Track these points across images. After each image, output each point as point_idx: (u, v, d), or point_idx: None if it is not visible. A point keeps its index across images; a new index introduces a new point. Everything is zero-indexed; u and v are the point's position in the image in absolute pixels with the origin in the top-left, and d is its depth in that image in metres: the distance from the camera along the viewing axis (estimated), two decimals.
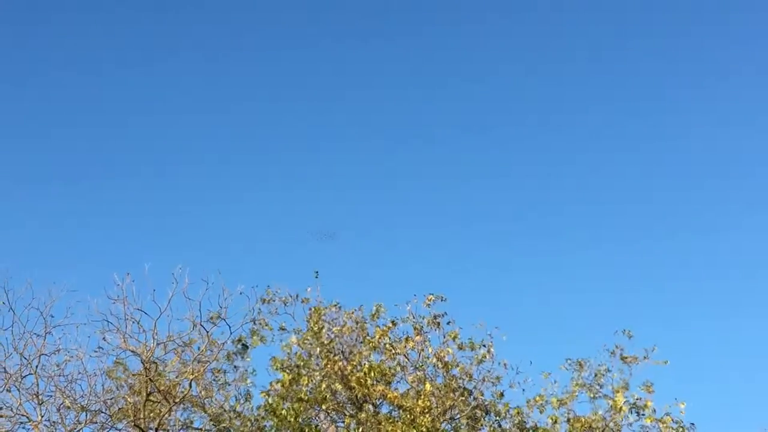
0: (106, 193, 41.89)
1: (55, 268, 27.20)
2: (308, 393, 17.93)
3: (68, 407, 17.68)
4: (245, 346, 18.72)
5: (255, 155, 44.01)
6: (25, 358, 17.63)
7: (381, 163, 45.51)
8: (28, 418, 17.51)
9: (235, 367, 18.88)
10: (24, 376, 17.65)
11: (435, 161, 45.50)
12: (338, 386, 17.92)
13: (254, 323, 18.69)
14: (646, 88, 46.82)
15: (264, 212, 41.97)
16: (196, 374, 17.92)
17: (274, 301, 18.97)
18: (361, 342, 18.54)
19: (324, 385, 17.85)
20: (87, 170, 42.89)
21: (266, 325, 18.94)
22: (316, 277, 19.23)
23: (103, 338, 17.89)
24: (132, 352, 17.87)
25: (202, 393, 18.52)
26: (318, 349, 18.22)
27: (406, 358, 18.29)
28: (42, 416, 17.49)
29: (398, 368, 18.25)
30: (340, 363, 17.83)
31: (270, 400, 17.55)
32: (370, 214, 43.19)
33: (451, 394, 17.71)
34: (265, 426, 18.08)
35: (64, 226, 38.93)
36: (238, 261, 34.80)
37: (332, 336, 18.52)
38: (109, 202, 41.24)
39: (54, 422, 17.81)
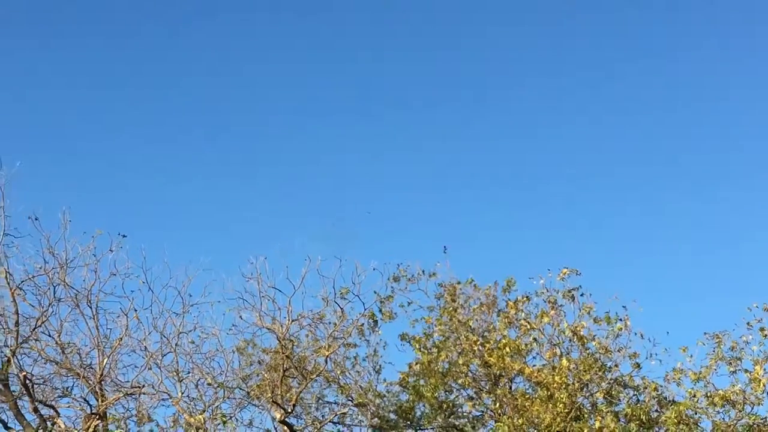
0: (238, 169, 41.60)
1: (191, 247, 27.49)
2: (444, 367, 17.99)
3: (209, 384, 17.97)
4: (375, 321, 18.79)
5: (389, 131, 42.95)
6: (165, 337, 17.86)
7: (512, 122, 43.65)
8: (168, 395, 17.79)
9: (366, 341, 19.03)
10: (164, 354, 17.92)
11: (564, 126, 43.85)
12: (476, 360, 17.91)
13: (381, 302, 18.78)
14: None
15: (394, 184, 41.21)
16: (331, 350, 18.05)
17: (405, 277, 19.00)
18: (497, 318, 18.48)
19: (461, 361, 17.88)
20: (229, 153, 42.64)
21: (391, 300, 19.03)
22: (445, 252, 19.28)
23: (239, 316, 18.13)
24: (268, 329, 18.05)
25: (336, 370, 18.66)
26: (455, 326, 18.24)
27: (542, 333, 18.16)
28: (182, 393, 17.78)
29: (534, 344, 18.12)
30: (478, 342, 17.81)
31: (409, 379, 17.61)
32: (500, 185, 41.80)
33: (588, 369, 17.52)
34: (402, 402, 18.19)
35: (198, 208, 38.88)
36: (370, 237, 34.32)
37: (470, 314, 18.50)
38: (241, 177, 40.87)
39: (193, 398, 18.16)
